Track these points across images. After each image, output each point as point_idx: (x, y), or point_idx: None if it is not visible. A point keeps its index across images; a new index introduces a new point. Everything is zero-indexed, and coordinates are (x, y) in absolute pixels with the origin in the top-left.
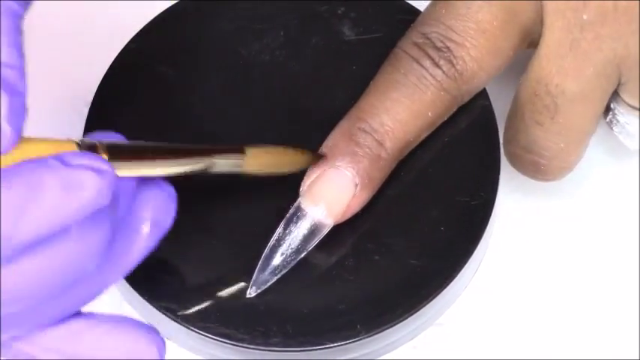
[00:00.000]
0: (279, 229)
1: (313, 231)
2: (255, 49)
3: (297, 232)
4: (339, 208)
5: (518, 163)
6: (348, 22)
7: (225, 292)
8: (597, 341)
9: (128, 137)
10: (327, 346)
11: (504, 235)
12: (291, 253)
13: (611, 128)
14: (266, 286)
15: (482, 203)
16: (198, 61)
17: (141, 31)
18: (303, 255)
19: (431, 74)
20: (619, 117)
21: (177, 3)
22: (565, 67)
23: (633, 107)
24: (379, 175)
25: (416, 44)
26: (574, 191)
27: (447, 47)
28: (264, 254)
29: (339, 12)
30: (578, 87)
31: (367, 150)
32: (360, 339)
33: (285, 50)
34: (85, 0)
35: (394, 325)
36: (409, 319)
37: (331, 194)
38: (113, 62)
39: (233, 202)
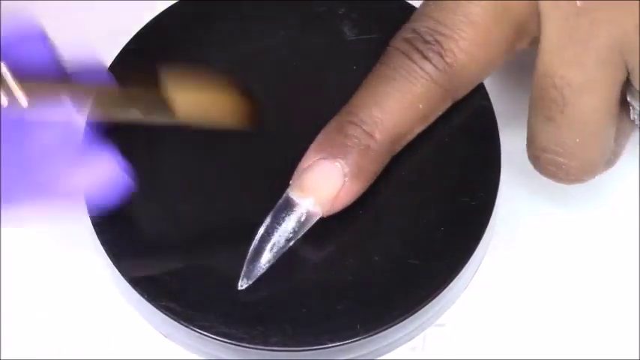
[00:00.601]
0: (268, 220)
1: (302, 221)
2: (256, 49)
3: (286, 222)
4: (328, 197)
5: (539, 166)
6: (349, 22)
7: (224, 292)
8: (597, 341)
9: (128, 138)
10: (326, 346)
11: (504, 235)
12: (280, 244)
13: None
14: (256, 278)
15: (482, 203)
16: (197, 62)
17: (140, 32)
18: (290, 244)
19: (420, 67)
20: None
21: (175, 3)
22: (567, 58)
23: None
24: (370, 167)
25: (406, 39)
26: (574, 192)
27: (436, 40)
28: (252, 246)
29: (340, 12)
30: (582, 76)
31: (355, 141)
32: (360, 339)
33: (285, 51)
34: (84, 0)
35: (393, 325)
36: (408, 319)
37: (319, 184)
38: (112, 63)
39: (233, 201)
